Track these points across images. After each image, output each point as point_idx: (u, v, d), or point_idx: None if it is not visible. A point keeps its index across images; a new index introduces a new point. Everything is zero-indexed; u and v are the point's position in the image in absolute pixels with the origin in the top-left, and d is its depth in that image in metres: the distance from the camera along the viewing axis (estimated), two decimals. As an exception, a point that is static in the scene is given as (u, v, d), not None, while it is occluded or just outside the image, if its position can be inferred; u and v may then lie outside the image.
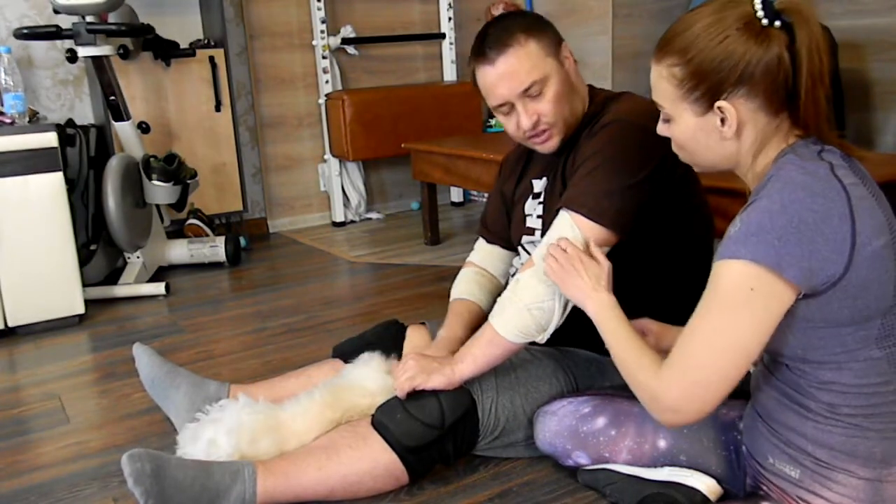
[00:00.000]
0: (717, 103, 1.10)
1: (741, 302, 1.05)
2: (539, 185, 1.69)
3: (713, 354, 1.08)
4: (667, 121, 1.19)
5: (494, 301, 1.74)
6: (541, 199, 1.67)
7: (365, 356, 1.68)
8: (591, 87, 1.66)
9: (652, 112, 1.24)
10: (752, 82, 1.08)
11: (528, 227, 1.70)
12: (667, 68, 1.14)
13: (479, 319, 1.71)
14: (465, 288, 1.78)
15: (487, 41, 1.51)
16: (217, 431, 1.51)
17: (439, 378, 1.49)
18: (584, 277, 1.33)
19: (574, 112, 1.56)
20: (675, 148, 1.22)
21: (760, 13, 1.08)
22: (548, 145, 1.57)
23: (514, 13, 1.60)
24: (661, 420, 1.17)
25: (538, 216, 1.67)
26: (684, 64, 1.11)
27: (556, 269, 1.37)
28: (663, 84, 1.15)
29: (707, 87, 1.10)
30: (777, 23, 1.07)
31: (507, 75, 1.49)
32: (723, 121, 1.11)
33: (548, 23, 1.57)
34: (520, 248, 1.73)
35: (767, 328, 1.07)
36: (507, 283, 1.81)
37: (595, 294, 1.32)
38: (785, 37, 1.07)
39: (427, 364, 1.52)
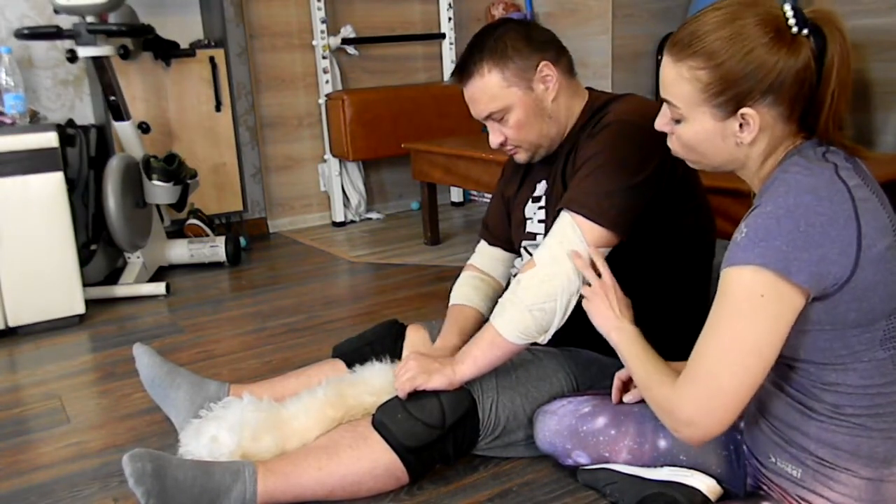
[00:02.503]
0: (742, 110, 1.09)
1: (752, 309, 1.05)
2: (540, 188, 1.69)
3: (727, 363, 1.07)
4: (677, 120, 1.16)
5: (492, 305, 1.76)
6: (542, 204, 1.67)
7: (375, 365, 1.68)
8: (590, 89, 1.66)
9: (654, 113, 1.22)
10: (781, 91, 1.07)
11: (529, 232, 1.70)
12: (689, 70, 1.10)
13: (476, 324, 1.73)
14: (463, 292, 1.79)
15: (460, 62, 1.59)
16: (220, 428, 1.51)
17: (440, 378, 1.49)
18: (614, 308, 1.34)
19: (546, 134, 1.60)
20: (676, 146, 1.20)
21: (792, 21, 1.06)
22: (518, 158, 1.66)
23: (491, 30, 1.59)
24: (681, 436, 1.14)
25: (539, 220, 1.67)
26: (711, 68, 1.08)
27: (588, 294, 1.39)
28: (683, 85, 1.12)
29: (735, 93, 1.08)
30: (805, 30, 1.06)
31: (471, 100, 1.60)
32: (741, 126, 1.10)
33: (523, 47, 1.54)
34: (521, 250, 1.73)
35: (780, 333, 1.06)
36: (508, 285, 1.82)
37: (620, 324, 1.33)
38: (811, 44, 1.06)
39: (428, 364, 1.52)
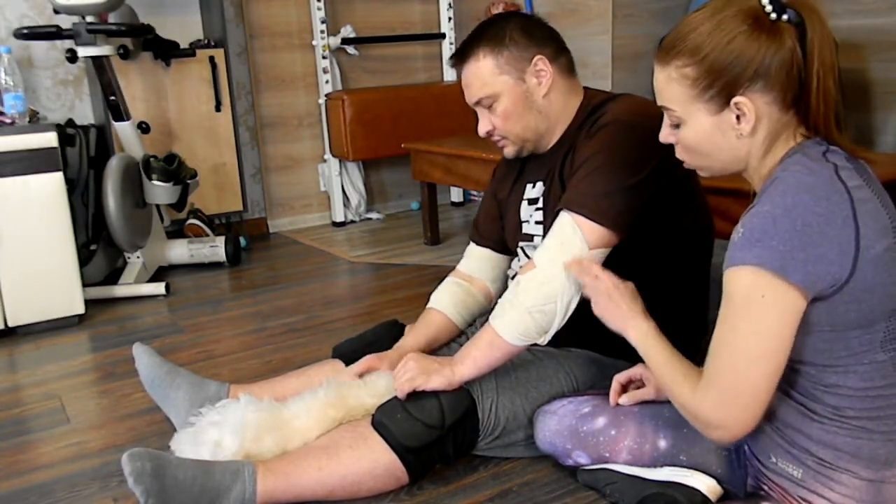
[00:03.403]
0: (735, 99, 1.09)
1: (755, 310, 1.05)
2: (535, 190, 1.68)
3: (739, 367, 1.08)
4: (676, 125, 1.17)
5: (465, 314, 1.79)
6: (539, 206, 1.67)
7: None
8: (587, 88, 1.66)
9: (651, 112, 1.23)
10: (769, 76, 1.08)
11: (526, 234, 1.69)
12: (677, 70, 1.12)
13: (443, 330, 1.77)
14: (438, 297, 1.82)
15: (461, 46, 1.61)
16: (222, 432, 1.51)
17: (439, 379, 1.49)
18: (622, 306, 1.33)
19: (533, 128, 1.60)
20: (682, 153, 1.20)
21: (769, 7, 1.08)
22: (505, 151, 1.67)
23: (496, 19, 1.62)
24: (713, 439, 1.15)
25: (537, 222, 1.67)
26: (697, 63, 1.10)
27: (592, 300, 1.37)
28: (673, 86, 1.14)
29: (723, 83, 1.09)
30: (785, 16, 1.08)
31: (465, 85, 1.62)
32: (738, 118, 1.11)
33: (520, 38, 1.56)
34: (519, 251, 1.73)
35: (787, 332, 1.06)
36: (498, 287, 1.82)
37: (634, 322, 1.31)
38: (794, 30, 1.07)
39: (427, 365, 1.52)
